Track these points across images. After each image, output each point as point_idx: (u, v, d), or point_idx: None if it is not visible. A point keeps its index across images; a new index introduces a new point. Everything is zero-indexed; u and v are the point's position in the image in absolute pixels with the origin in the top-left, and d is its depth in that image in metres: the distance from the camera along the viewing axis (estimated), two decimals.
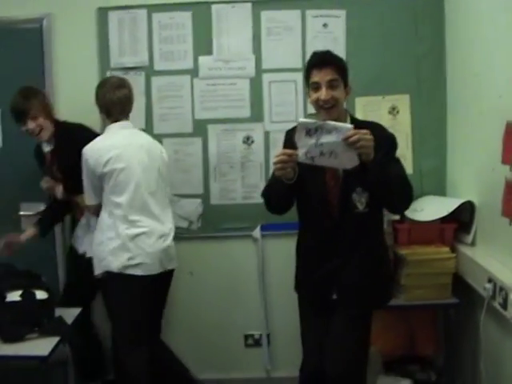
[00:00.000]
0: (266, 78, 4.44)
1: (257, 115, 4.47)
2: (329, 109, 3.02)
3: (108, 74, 4.37)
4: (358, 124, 2.99)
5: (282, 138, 3.43)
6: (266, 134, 4.45)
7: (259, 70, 4.44)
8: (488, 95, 3.55)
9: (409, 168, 4.32)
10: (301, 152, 2.77)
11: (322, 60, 3.06)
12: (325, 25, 4.38)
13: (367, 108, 4.32)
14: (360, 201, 3.06)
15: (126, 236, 3.59)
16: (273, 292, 4.59)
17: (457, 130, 4.25)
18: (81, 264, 3.89)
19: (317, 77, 3.03)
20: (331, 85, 3.01)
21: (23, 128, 3.85)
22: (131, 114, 3.91)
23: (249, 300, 4.62)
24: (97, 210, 3.71)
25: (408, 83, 4.38)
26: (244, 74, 4.45)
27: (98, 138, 3.72)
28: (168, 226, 3.77)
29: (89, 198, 3.72)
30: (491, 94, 3.48)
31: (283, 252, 4.36)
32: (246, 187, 4.50)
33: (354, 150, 2.71)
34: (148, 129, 4.42)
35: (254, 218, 4.46)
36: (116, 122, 3.77)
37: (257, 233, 4.52)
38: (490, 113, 3.56)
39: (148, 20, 4.40)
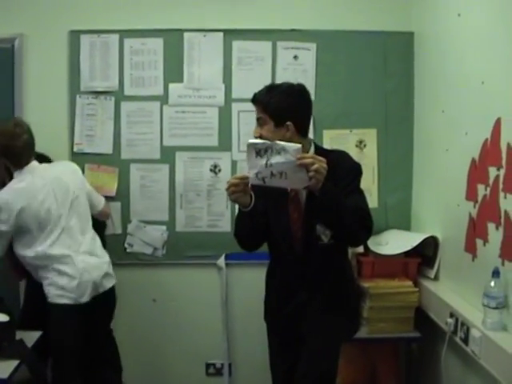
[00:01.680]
0: (235, 107, 4.45)
1: (225, 144, 4.47)
2: None
3: (78, 97, 4.41)
4: (323, 152, 2.99)
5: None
6: (234, 163, 4.46)
7: (229, 99, 4.45)
8: (454, 132, 3.60)
9: (374, 202, 4.36)
10: (252, 173, 2.73)
11: (253, 98, 3.06)
12: (295, 57, 4.41)
13: (335, 141, 4.35)
14: (324, 233, 3.01)
15: None
16: (236, 321, 4.58)
17: (423, 165, 4.30)
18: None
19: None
20: (259, 123, 3.01)
21: None
22: (99, 139, 3.90)
23: (211, 329, 4.59)
24: None
25: (376, 118, 4.43)
26: (213, 103, 4.46)
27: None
28: None
29: None
30: (457, 131, 3.53)
31: (247, 281, 4.42)
32: (212, 215, 4.49)
33: (306, 171, 2.66)
34: (115, 154, 4.43)
35: (218, 246, 4.45)
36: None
37: (221, 262, 4.50)
38: (455, 149, 3.61)
39: (120, 45, 4.40)
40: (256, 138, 2.94)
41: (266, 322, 3.39)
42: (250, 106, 3.97)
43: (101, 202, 4.00)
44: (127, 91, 4.45)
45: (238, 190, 2.82)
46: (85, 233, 3.73)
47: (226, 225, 4.46)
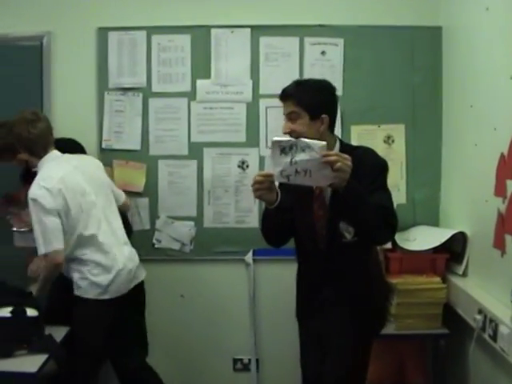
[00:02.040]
0: (262, 103, 4.46)
1: (252, 140, 4.48)
2: None
3: (106, 94, 4.44)
4: (348, 149, 2.99)
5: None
6: (262, 159, 4.46)
7: (256, 95, 4.45)
8: (483, 127, 3.58)
9: (402, 197, 4.34)
10: (276, 171, 2.71)
11: (282, 92, 3.04)
12: (323, 52, 4.41)
13: (362, 136, 4.34)
14: (347, 230, 2.99)
15: None
16: (263, 317, 4.58)
17: (451, 160, 4.28)
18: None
19: (283, 108, 3.05)
20: (290, 117, 2.99)
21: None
22: (127, 135, 3.93)
23: (239, 324, 4.61)
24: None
25: (404, 113, 4.41)
26: (241, 99, 4.46)
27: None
28: None
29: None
30: (486, 126, 3.51)
31: (275, 277, 4.43)
32: (240, 211, 4.50)
33: (330, 169, 2.64)
34: (143, 150, 4.46)
35: (246, 242, 4.46)
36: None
37: (249, 257, 4.51)
38: (484, 144, 3.59)
39: (147, 42, 4.42)
40: (286, 133, 2.94)
41: (297, 319, 3.39)
42: (278, 102, 3.95)
43: (121, 194, 4.00)
44: (155, 88, 4.47)
45: (262, 187, 2.80)
46: (118, 222, 3.77)
47: (253, 221, 4.46)
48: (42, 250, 3.45)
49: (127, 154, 4.42)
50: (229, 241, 4.51)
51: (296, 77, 4.19)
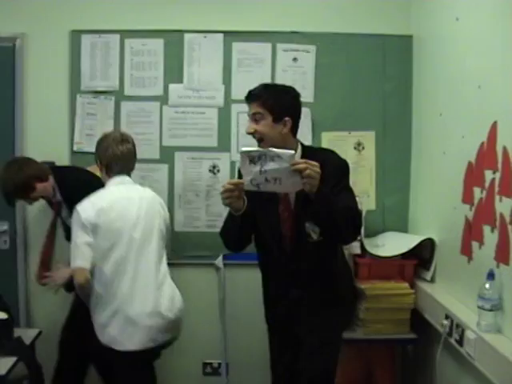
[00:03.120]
0: (234, 108, 4.48)
1: (224, 145, 4.50)
2: (259, 141, 3.03)
3: (78, 96, 4.44)
4: (310, 151, 3.09)
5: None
6: (233, 164, 4.47)
7: (228, 100, 4.48)
8: (451, 135, 3.63)
9: (372, 204, 4.39)
10: (246, 179, 2.76)
11: (248, 94, 3.10)
12: (295, 59, 4.45)
13: (333, 143, 4.37)
14: (314, 230, 3.04)
15: None
16: (233, 321, 4.59)
17: (420, 167, 4.32)
18: None
19: (248, 110, 3.11)
20: (254, 118, 3.03)
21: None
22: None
23: (209, 328, 4.61)
24: None
25: (374, 120, 4.46)
26: (213, 104, 4.49)
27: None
28: None
29: None
30: (454, 134, 3.56)
31: (245, 281, 4.44)
32: (211, 215, 4.51)
33: (300, 176, 2.70)
34: None
35: (216, 246, 4.24)
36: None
37: (219, 262, 4.53)
38: (452, 152, 3.63)
39: (120, 45, 4.43)
40: (250, 133, 3.03)
41: (267, 322, 3.43)
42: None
43: None
44: (127, 91, 4.47)
45: (232, 195, 2.85)
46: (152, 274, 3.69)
47: None
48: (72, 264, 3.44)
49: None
50: (199, 245, 4.52)
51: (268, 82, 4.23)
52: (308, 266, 3.12)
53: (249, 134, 3.05)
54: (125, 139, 3.61)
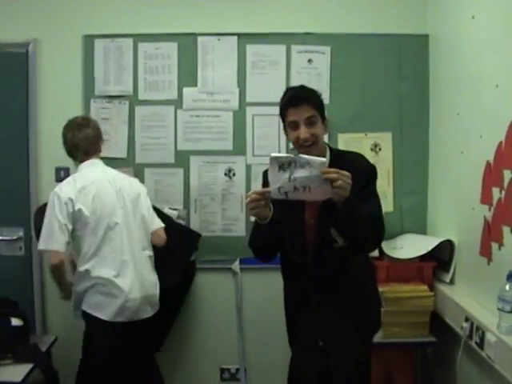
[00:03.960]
0: (249, 111, 4.49)
1: (239, 148, 4.50)
2: (309, 146, 2.90)
3: (92, 101, 4.45)
4: (338, 156, 3.03)
5: (260, 169, 3.32)
6: (248, 167, 4.48)
7: (243, 103, 4.48)
8: (469, 135, 3.61)
9: (389, 205, 4.37)
10: (273, 187, 2.68)
11: (297, 97, 2.94)
12: (309, 60, 4.46)
13: (349, 144, 4.35)
14: (339, 235, 2.90)
15: None
16: (250, 326, 4.59)
17: (438, 168, 4.31)
18: None
19: (294, 115, 2.92)
20: (309, 122, 2.90)
21: None
22: (113, 143, 4.05)
23: (226, 333, 4.61)
24: None
25: (391, 121, 4.45)
26: (228, 107, 4.49)
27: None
28: None
29: None
30: (472, 134, 3.54)
31: (262, 286, 4.44)
32: (226, 220, 4.51)
33: (330, 184, 2.62)
34: (130, 158, 4.47)
35: (233, 251, 4.47)
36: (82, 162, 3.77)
37: (236, 266, 4.53)
38: (470, 152, 3.62)
39: (134, 49, 4.45)
40: (307, 139, 2.90)
41: (288, 333, 3.35)
42: (265, 110, 4.13)
43: (155, 223, 4.03)
44: (141, 95, 4.49)
45: (258, 205, 2.78)
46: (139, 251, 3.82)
47: (240, 229, 4.50)
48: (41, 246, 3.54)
49: (114, 162, 4.22)
50: (216, 249, 4.52)
51: (283, 85, 4.33)
52: (331, 271, 3.03)
53: (306, 140, 2.89)
54: (84, 124, 3.73)
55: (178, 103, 4.49)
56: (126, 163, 4.44)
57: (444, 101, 4.15)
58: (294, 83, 4.09)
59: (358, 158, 3.10)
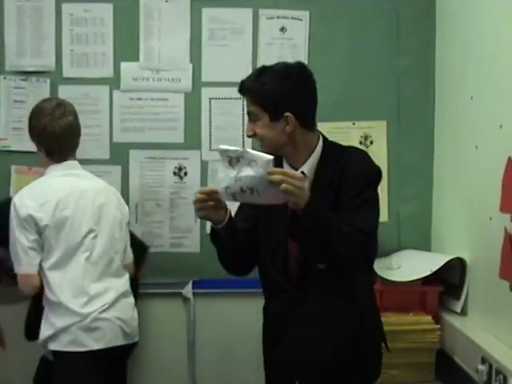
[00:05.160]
0: (205, 93, 4.43)
1: (192, 140, 4.44)
2: (262, 145, 2.99)
3: (1, 78, 4.35)
4: (332, 150, 3.04)
5: None
6: (204, 165, 4.43)
7: (198, 83, 4.42)
8: (486, 124, 3.57)
9: (383, 214, 4.19)
10: (221, 187, 2.71)
11: (241, 85, 3.02)
12: (282, 29, 4.43)
13: (333, 136, 4.15)
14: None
15: None
16: (203, 363, 4.54)
17: (445, 167, 4.29)
18: None
19: None
20: (250, 118, 2.99)
21: None
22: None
23: (175, 373, 4.58)
24: None
25: (385, 107, 4.43)
26: (178, 88, 4.43)
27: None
28: None
29: None
30: (490, 123, 3.49)
31: (218, 315, 4.42)
32: (176, 231, 4.46)
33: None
34: None
35: (184, 271, 4.43)
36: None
37: (188, 291, 4.48)
38: (487, 146, 3.58)
39: (56, 11, 4.34)
40: (249, 136, 3.01)
41: (264, 368, 3.33)
42: (226, 92, 4.15)
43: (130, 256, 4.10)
44: (67, 72, 4.38)
45: (206, 206, 2.78)
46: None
47: (193, 244, 4.46)
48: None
49: (30, 158, 4.21)
50: (162, 269, 4.42)
51: (248, 59, 4.39)
52: (316, 297, 3.01)
53: (249, 137, 3.03)
54: (64, 111, 3.68)
55: (114, 82, 4.41)
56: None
57: (454, 81, 4.13)
58: (263, 57, 4.30)
59: (358, 155, 3.07)
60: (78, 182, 3.73)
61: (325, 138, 3.12)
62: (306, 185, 2.75)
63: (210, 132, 4.44)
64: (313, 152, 3.00)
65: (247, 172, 2.62)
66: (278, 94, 2.91)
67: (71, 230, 3.61)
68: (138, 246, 4.23)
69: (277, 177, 2.56)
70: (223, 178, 2.69)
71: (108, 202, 3.79)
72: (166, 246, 4.47)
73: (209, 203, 2.77)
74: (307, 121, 3.03)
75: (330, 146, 3.09)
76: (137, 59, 4.41)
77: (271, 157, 2.63)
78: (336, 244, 2.75)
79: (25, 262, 3.58)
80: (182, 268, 4.44)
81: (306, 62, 4.03)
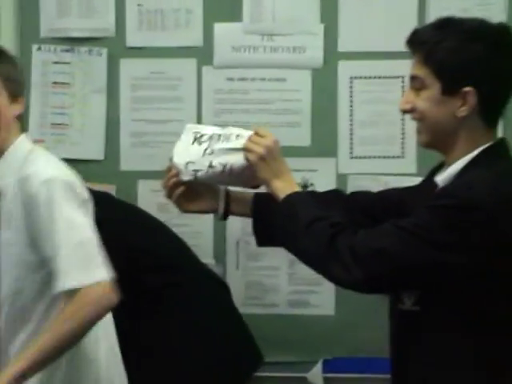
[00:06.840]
0: (344, 69, 3.51)
1: (324, 143, 3.54)
2: (418, 128, 2.42)
3: (35, 49, 3.59)
4: (477, 164, 2.36)
5: (367, 185, 3.14)
6: (341, 179, 3.52)
7: (332, 55, 3.51)
8: None
9: None
10: (177, 161, 2.51)
11: (410, 36, 2.42)
12: None
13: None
14: (409, 293, 2.34)
15: None
16: None
17: None
18: None
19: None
20: (412, 84, 2.41)
21: None
22: (78, 131, 3.56)
23: None
24: None
25: None
26: (302, 62, 3.54)
27: None
28: None
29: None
30: None
31: None
32: (298, 283, 3.62)
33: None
34: (110, 161, 3.62)
35: (311, 345, 3.59)
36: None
37: (316, 375, 3.63)
38: None
39: None
40: (404, 112, 2.43)
41: None
42: (375, 68, 3.43)
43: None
44: (132, 39, 3.58)
45: (175, 193, 2.58)
46: None
47: (325, 301, 3.57)
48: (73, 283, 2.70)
49: (80, 167, 3.19)
50: (277, 342, 3.56)
51: (411, 19, 3.38)
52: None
53: (403, 111, 2.42)
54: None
55: (203, 54, 3.57)
56: (103, 170, 3.61)
57: None
58: (434, 13, 3.24)
59: (473, 177, 2.34)
60: None
61: (496, 151, 2.37)
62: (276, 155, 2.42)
63: (351, 130, 3.52)
64: (461, 157, 2.34)
65: (223, 145, 2.54)
66: (463, 58, 2.31)
67: None
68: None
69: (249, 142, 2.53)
70: (182, 152, 2.57)
71: None
72: (283, 305, 3.63)
73: (178, 190, 2.56)
74: (492, 107, 2.34)
75: (480, 162, 2.37)
76: (239, 19, 3.55)
77: (252, 132, 2.59)
78: (299, 232, 2.36)
79: (101, 263, 2.63)
80: (306, 340, 3.56)
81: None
